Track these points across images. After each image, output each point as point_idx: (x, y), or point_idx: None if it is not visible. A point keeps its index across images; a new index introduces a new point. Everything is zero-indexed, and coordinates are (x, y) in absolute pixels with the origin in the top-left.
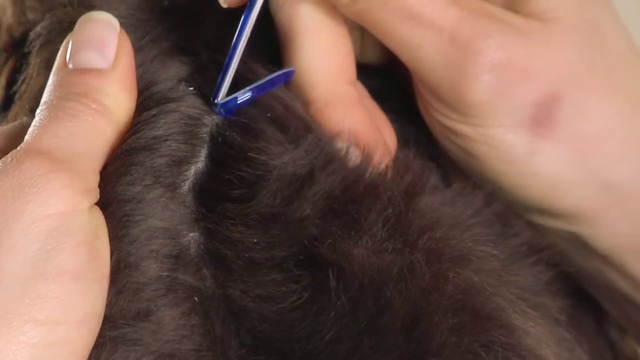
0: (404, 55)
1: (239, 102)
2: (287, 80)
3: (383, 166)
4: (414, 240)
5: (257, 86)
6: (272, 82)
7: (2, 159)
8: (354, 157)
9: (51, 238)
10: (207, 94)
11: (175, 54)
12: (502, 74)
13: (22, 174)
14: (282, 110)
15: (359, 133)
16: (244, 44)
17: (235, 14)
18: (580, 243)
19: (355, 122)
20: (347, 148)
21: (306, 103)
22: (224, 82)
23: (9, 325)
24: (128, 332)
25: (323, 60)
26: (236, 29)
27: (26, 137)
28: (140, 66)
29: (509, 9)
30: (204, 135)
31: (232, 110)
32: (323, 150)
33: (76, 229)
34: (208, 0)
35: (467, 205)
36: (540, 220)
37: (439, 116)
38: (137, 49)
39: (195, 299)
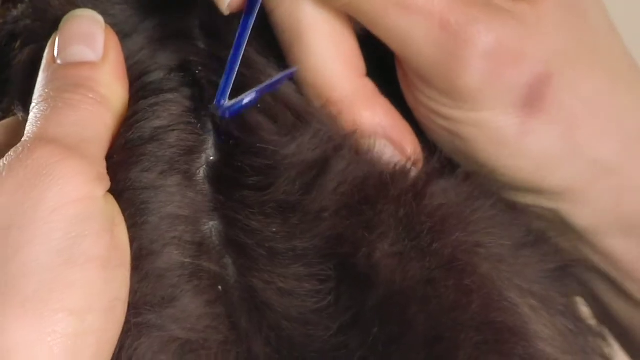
0: (393, 43)
1: (243, 104)
2: (291, 78)
3: (405, 158)
4: (426, 246)
5: (261, 88)
6: (276, 83)
7: (13, 148)
8: (362, 146)
9: (73, 225)
10: (202, 82)
11: (164, 42)
12: (493, 58)
13: (35, 163)
14: (270, 101)
15: (390, 124)
16: (244, 45)
17: None
18: (559, 219)
19: (384, 115)
20: (353, 135)
21: (327, 104)
22: (228, 84)
23: (42, 315)
24: (152, 319)
25: (335, 59)
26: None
27: (29, 129)
28: (128, 57)
29: None
30: (208, 125)
31: (236, 112)
32: (330, 137)
33: (96, 216)
34: None
35: (472, 194)
36: (522, 198)
37: (426, 100)
38: (123, 40)
39: (220, 287)
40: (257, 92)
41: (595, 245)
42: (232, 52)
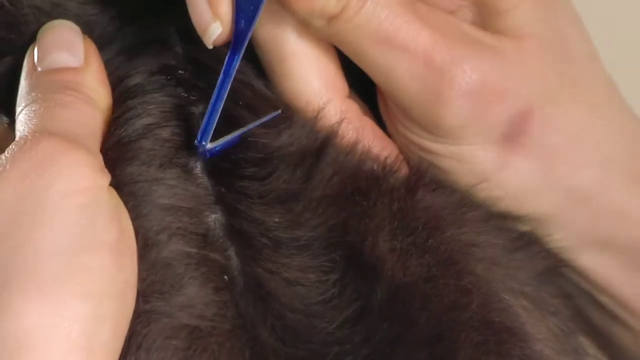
0: (377, 77)
1: (226, 145)
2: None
3: (382, 157)
4: (422, 242)
5: (245, 131)
6: (259, 125)
7: (16, 141)
8: (346, 137)
9: (83, 212)
10: (185, 83)
11: (143, 48)
12: (476, 98)
13: (40, 154)
14: (250, 95)
15: (375, 144)
16: (229, 84)
17: None
18: None
19: (370, 135)
20: (338, 126)
21: (320, 116)
22: (211, 124)
23: (58, 299)
24: (161, 306)
25: (318, 83)
26: None
27: (24, 127)
28: (107, 64)
29: (481, 25)
30: (197, 119)
31: (218, 153)
32: (316, 129)
33: (103, 204)
34: None
35: (462, 200)
36: None
37: (406, 132)
38: (100, 49)
39: (225, 277)
40: (239, 134)
41: (569, 262)
42: (216, 90)
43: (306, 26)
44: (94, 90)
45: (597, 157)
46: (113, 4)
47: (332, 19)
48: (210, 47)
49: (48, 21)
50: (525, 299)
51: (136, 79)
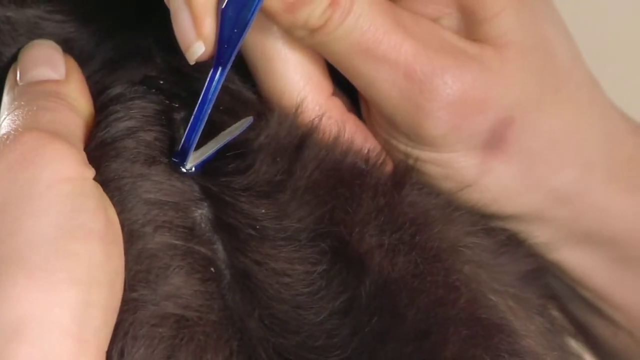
0: (359, 86)
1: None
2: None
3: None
4: (410, 238)
5: (224, 143)
6: (237, 134)
7: None
8: (327, 132)
9: (69, 201)
10: (166, 92)
11: (123, 62)
12: (458, 109)
13: (24, 146)
14: (229, 99)
15: (360, 141)
16: (212, 102)
17: None
18: None
19: (354, 132)
20: (318, 121)
21: (300, 112)
22: (192, 142)
23: (50, 285)
24: (147, 294)
25: (303, 83)
26: None
27: (7, 128)
28: (88, 78)
29: (464, 33)
30: (178, 125)
31: (194, 170)
32: (296, 126)
33: (88, 194)
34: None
35: (450, 201)
36: None
37: (388, 137)
38: (81, 65)
39: (212, 269)
40: (216, 150)
41: (549, 257)
42: (197, 107)
43: (289, 34)
44: (76, 100)
45: (577, 160)
46: (90, 20)
47: (314, 30)
48: (192, 63)
49: (26, 42)
50: (511, 299)
51: (118, 89)
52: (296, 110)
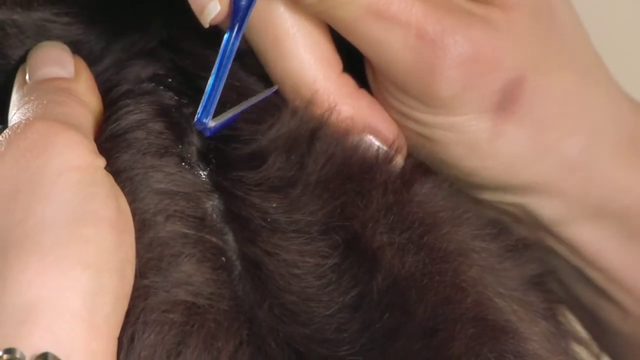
0: (368, 51)
1: (225, 122)
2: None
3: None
4: (418, 238)
5: (244, 108)
6: (257, 101)
7: (9, 127)
8: (340, 125)
9: (80, 188)
10: (175, 89)
11: (131, 61)
12: (469, 67)
13: (35, 135)
14: (236, 97)
15: (373, 116)
16: (230, 63)
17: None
18: (524, 213)
19: (367, 107)
20: (328, 118)
21: (310, 104)
22: (212, 102)
23: (61, 270)
24: (158, 281)
25: (313, 61)
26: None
27: (18, 119)
28: (97, 77)
29: None
30: (188, 117)
31: (217, 130)
32: (306, 120)
33: (100, 181)
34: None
35: (460, 201)
36: (488, 195)
37: (397, 104)
38: (90, 66)
39: (223, 258)
40: (240, 111)
41: (559, 235)
42: (216, 69)
43: (296, 3)
44: (86, 97)
45: (585, 125)
46: (98, 22)
47: None
48: (206, 26)
49: (34, 44)
50: (516, 303)
51: (127, 86)
52: (307, 104)
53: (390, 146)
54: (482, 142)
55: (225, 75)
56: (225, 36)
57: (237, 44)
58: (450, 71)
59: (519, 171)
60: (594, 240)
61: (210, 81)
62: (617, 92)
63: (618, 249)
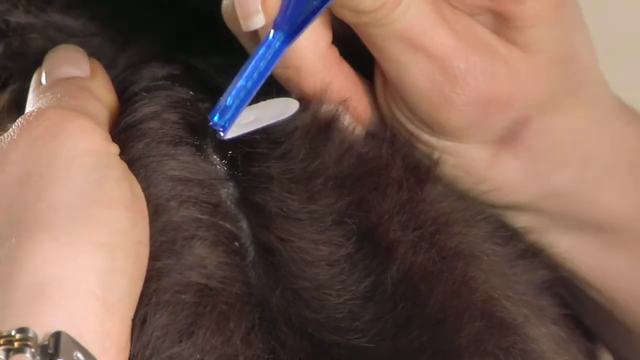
0: (390, 69)
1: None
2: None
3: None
4: (430, 236)
5: (266, 124)
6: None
7: (22, 116)
8: (346, 122)
9: (94, 171)
10: (189, 86)
11: (145, 63)
12: (484, 105)
13: (48, 121)
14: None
15: (348, 89)
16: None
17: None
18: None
19: (344, 80)
20: (338, 111)
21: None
22: (238, 109)
23: (74, 248)
24: (171, 264)
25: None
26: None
27: (31, 109)
28: (113, 79)
29: (497, 32)
30: (204, 112)
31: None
32: (319, 114)
33: (113, 166)
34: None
35: (471, 204)
36: None
37: (404, 121)
38: (106, 68)
39: (236, 243)
40: (261, 127)
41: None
42: (248, 71)
43: (352, 10)
44: (102, 94)
45: (578, 157)
46: (112, 26)
47: (363, 12)
48: (245, 30)
49: (50, 47)
50: (525, 306)
51: (143, 83)
52: (320, 98)
53: (359, 121)
54: (479, 169)
55: (262, 81)
56: (269, 38)
57: (285, 49)
58: (466, 107)
59: (506, 195)
60: (570, 248)
61: (238, 84)
62: (621, 119)
63: (589, 255)
